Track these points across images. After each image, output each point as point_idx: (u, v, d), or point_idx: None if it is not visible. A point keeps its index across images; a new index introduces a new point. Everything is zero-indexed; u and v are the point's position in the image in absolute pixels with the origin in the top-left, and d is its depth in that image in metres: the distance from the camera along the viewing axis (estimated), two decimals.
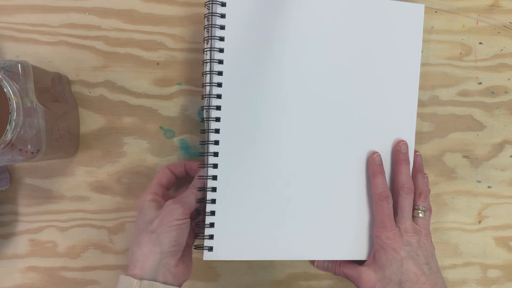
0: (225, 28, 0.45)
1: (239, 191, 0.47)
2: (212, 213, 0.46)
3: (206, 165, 0.46)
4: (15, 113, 0.37)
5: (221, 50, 0.45)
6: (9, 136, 0.37)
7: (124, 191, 0.50)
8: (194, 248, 0.47)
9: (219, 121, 0.46)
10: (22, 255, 0.50)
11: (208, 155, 0.46)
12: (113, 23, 0.50)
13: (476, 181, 0.52)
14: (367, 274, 0.46)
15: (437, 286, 0.44)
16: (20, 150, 0.38)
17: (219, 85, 0.45)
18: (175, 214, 0.42)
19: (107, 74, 0.50)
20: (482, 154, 0.51)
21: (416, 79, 0.48)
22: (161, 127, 0.50)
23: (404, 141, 0.47)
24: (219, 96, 0.45)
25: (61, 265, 0.50)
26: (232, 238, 0.47)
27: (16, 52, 0.50)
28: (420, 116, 0.51)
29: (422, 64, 0.51)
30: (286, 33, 0.47)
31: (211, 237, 0.46)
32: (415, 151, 0.48)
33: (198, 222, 0.47)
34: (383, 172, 0.46)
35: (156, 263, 0.41)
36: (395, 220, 0.46)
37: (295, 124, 0.47)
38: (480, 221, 0.52)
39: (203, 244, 0.46)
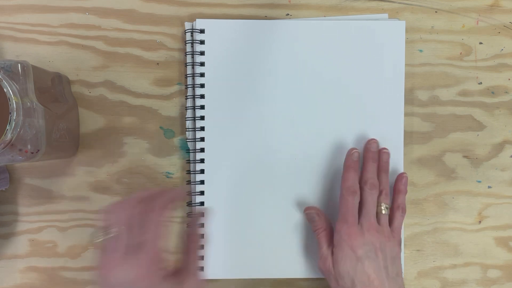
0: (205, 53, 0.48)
1: (226, 213, 0.49)
2: (201, 235, 0.48)
3: (192, 193, 0.49)
4: (15, 113, 0.37)
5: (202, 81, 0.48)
6: (9, 136, 0.37)
7: (124, 191, 0.50)
8: None
9: (203, 151, 0.48)
10: (22, 255, 0.50)
11: (195, 184, 0.49)
12: (113, 23, 0.50)
13: (476, 181, 0.52)
14: (326, 259, 0.45)
15: None
16: (20, 150, 0.38)
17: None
18: None
19: (107, 74, 0.50)
20: (482, 154, 0.51)
21: (401, 92, 0.49)
22: (161, 127, 0.50)
23: (375, 139, 0.48)
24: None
25: (61, 265, 0.50)
26: (221, 258, 0.49)
27: (16, 52, 0.50)
28: (420, 116, 0.51)
29: (422, 64, 0.51)
30: (268, 53, 0.49)
31: (201, 257, 0.49)
32: (382, 149, 0.48)
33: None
34: (356, 169, 0.46)
35: None
36: (359, 217, 0.44)
37: (283, 149, 0.49)
38: (480, 221, 0.52)
39: None
